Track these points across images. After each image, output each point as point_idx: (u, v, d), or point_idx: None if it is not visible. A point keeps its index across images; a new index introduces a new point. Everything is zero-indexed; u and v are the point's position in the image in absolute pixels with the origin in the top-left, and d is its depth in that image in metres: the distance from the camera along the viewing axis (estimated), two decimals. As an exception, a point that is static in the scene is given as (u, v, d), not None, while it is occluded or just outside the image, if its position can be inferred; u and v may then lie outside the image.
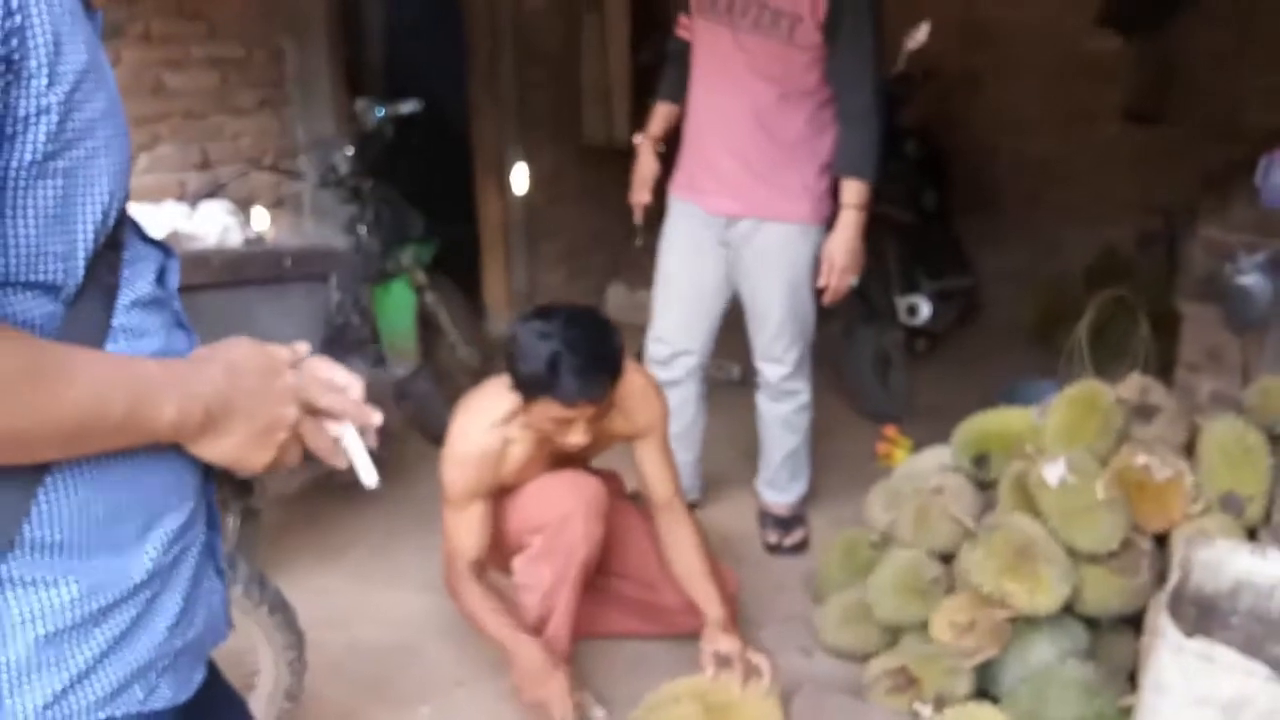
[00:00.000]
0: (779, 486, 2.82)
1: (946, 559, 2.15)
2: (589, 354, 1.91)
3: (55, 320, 0.74)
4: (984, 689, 1.99)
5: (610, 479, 2.43)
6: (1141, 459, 2.03)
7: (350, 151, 2.96)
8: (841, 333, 3.46)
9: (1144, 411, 2.18)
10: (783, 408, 2.74)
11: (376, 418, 0.95)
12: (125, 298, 0.80)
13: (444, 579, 2.16)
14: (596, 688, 2.21)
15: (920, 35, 3.68)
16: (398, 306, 3.13)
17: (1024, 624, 1.98)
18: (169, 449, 0.83)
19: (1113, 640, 2.01)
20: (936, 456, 2.40)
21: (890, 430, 3.30)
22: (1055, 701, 1.87)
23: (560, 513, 2.09)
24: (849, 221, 2.47)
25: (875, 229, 3.48)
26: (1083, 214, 4.32)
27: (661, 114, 2.76)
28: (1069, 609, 2.00)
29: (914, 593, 2.09)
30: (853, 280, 2.54)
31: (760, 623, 2.41)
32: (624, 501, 2.42)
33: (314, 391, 0.91)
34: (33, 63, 0.68)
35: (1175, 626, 1.49)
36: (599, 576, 2.27)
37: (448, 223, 3.46)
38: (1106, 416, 2.11)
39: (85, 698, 0.79)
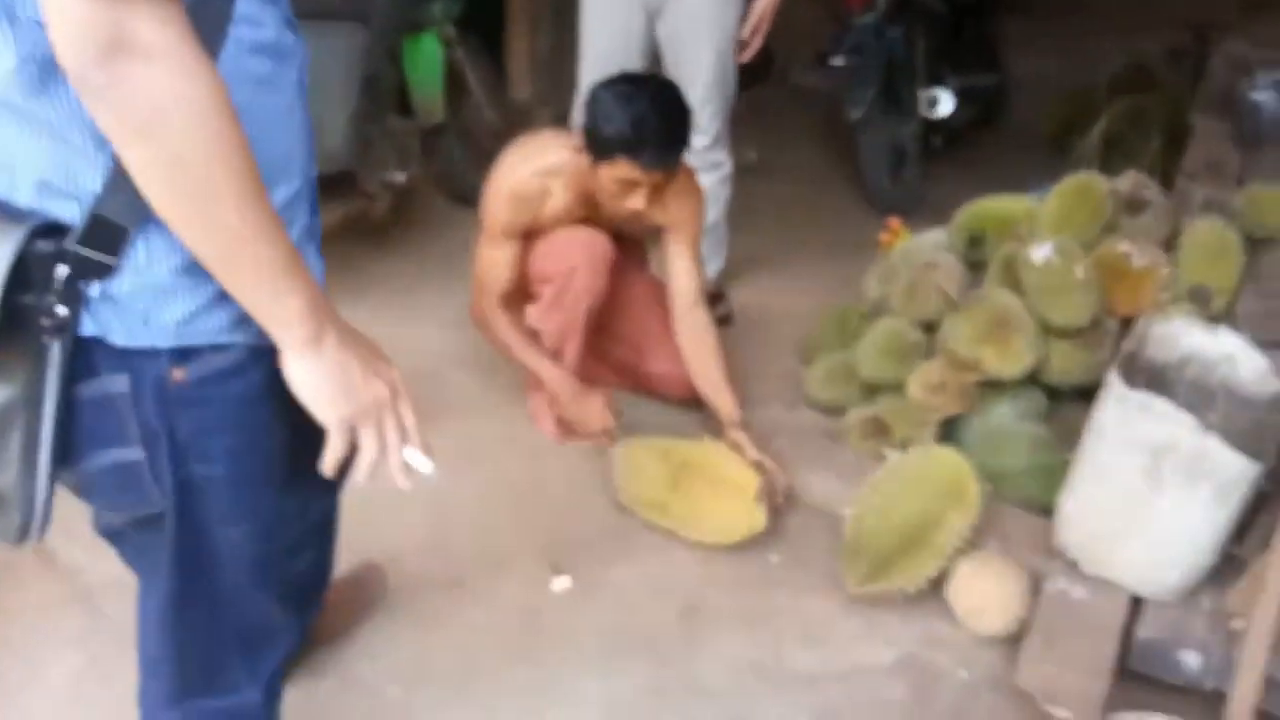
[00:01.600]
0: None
1: (931, 329, 2.32)
2: (671, 123, 2.03)
3: None
4: (947, 441, 2.21)
5: (633, 246, 2.57)
6: (1123, 247, 2.17)
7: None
8: (860, 121, 3.50)
9: (1134, 205, 2.30)
10: (705, 179, 2.70)
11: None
12: None
13: (472, 310, 2.34)
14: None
15: None
16: (427, 59, 3.17)
17: (990, 389, 2.18)
18: (286, 127, 0.97)
19: (1069, 409, 2.21)
20: (934, 237, 2.54)
21: (894, 222, 3.40)
22: (1007, 453, 2.09)
23: (568, 265, 2.25)
24: None
25: (907, 16, 3.50)
26: (1117, 24, 4.28)
27: None
28: (1033, 379, 2.19)
29: (896, 355, 2.28)
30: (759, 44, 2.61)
31: (750, 379, 2.61)
32: (635, 268, 2.57)
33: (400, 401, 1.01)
34: None
35: (1121, 379, 1.67)
36: (594, 335, 2.42)
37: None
38: (1097, 206, 2.23)
39: (212, 321, 0.97)
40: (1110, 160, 3.37)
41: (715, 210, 2.79)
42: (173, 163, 0.82)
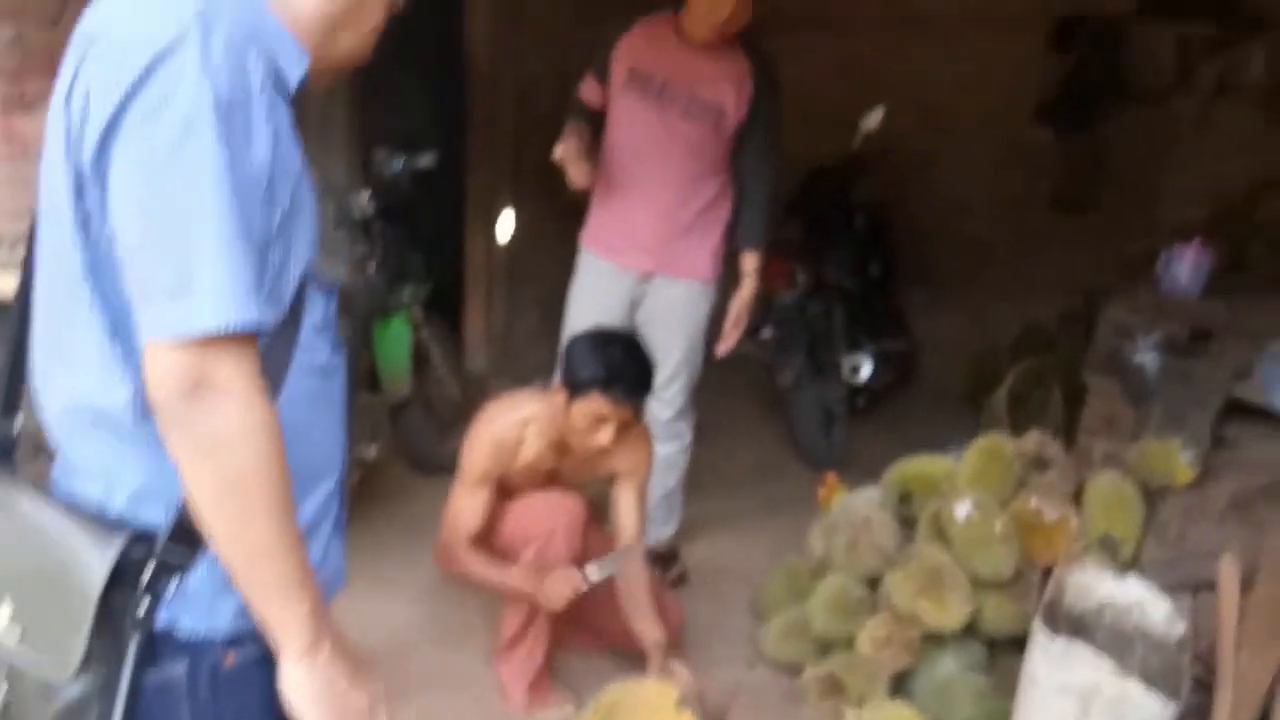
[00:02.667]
0: (657, 523, 3.03)
1: (873, 583, 2.51)
2: (640, 366, 2.32)
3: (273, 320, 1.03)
4: (899, 695, 2.35)
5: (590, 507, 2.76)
6: (1034, 503, 2.42)
7: (367, 197, 3.29)
8: (790, 387, 3.83)
9: (1040, 463, 2.59)
10: (668, 448, 2.97)
11: None
12: (307, 321, 1.11)
13: (437, 552, 2.48)
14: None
15: (874, 120, 4.12)
16: (396, 340, 3.45)
17: (933, 641, 2.35)
18: (331, 434, 1.16)
19: (1006, 658, 2.38)
20: (868, 495, 2.78)
21: (830, 478, 3.65)
22: (955, 704, 2.24)
23: (547, 528, 2.43)
24: (750, 286, 2.89)
25: (824, 293, 3.92)
26: (1013, 291, 4.75)
27: (577, 131, 2.82)
28: (971, 630, 2.37)
29: (844, 611, 2.45)
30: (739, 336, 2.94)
31: (709, 639, 2.75)
32: (595, 527, 2.76)
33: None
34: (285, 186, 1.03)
35: (1045, 629, 1.87)
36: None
37: (439, 264, 3.79)
38: (1007, 465, 2.51)
39: None
40: (1018, 417, 3.70)
41: (674, 477, 3.02)
42: (225, 483, 0.98)
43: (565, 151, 2.72)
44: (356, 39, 1.16)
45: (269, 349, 1.03)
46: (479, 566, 2.43)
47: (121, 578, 1.03)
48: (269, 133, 0.99)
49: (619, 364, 2.30)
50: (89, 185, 1.00)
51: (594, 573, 2.40)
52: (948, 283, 4.88)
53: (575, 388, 2.31)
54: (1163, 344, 3.35)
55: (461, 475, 2.47)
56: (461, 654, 2.64)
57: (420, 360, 3.58)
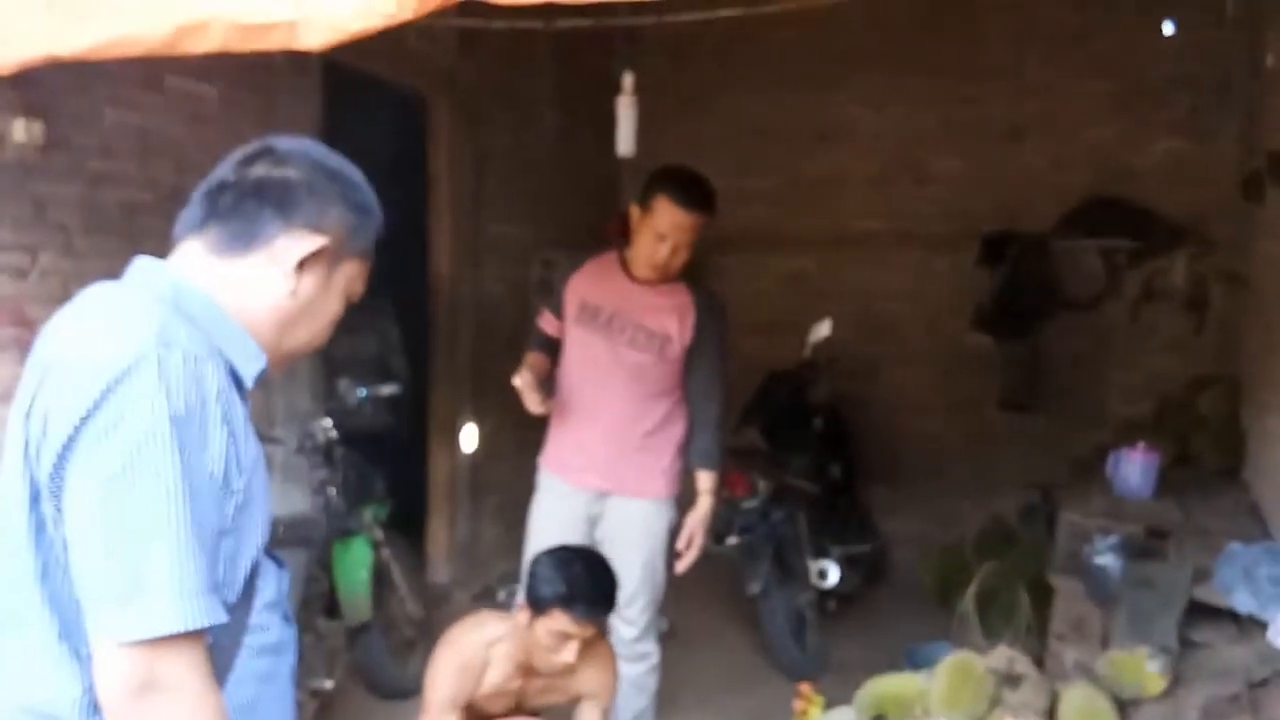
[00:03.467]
0: None
1: (851, 811, 2.43)
2: (601, 582, 2.34)
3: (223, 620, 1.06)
4: None
5: None
6: (1009, 721, 2.39)
7: (329, 424, 3.34)
8: (759, 595, 3.80)
9: (1011, 679, 2.57)
10: (635, 669, 2.94)
11: None
12: (259, 601, 1.15)
13: None
14: None
15: (823, 330, 4.30)
16: (355, 562, 3.40)
17: None
18: (283, 709, 1.15)
19: None
20: (842, 717, 2.72)
21: (805, 688, 3.57)
22: None
23: None
24: (706, 504, 2.93)
25: (787, 499, 3.96)
26: (972, 487, 4.85)
27: (534, 362, 2.93)
28: None
29: (824, 843, 2.35)
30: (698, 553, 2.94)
31: None
32: None
33: None
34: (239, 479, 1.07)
35: None
36: None
37: (401, 479, 3.80)
38: (979, 684, 2.48)
39: None
40: (986, 617, 3.69)
41: (644, 699, 2.96)
42: None
43: (522, 381, 2.82)
44: (314, 331, 1.23)
45: (219, 636, 1.06)
46: None
47: None
48: (224, 434, 1.05)
49: (580, 581, 2.32)
50: (44, 496, 1.04)
51: None
52: (907, 480, 4.97)
53: (538, 605, 2.32)
54: (1120, 546, 3.40)
55: (427, 704, 2.41)
56: None
57: (381, 579, 3.52)
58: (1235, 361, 4.37)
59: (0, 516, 1.10)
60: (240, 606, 1.11)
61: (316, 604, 3.23)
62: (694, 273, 2.99)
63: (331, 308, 1.23)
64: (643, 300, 2.88)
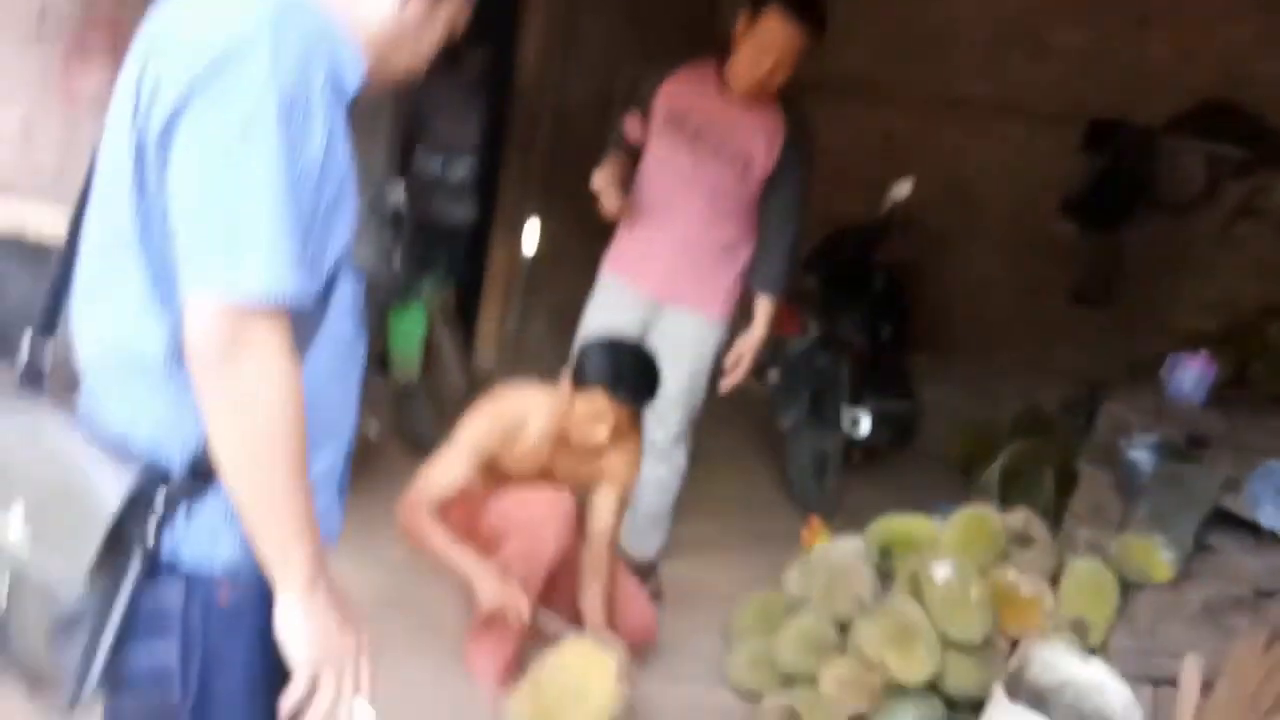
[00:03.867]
0: (641, 539, 3.11)
1: (843, 628, 2.54)
2: (645, 374, 2.42)
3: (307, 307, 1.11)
4: (853, 738, 2.38)
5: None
6: (1012, 576, 2.46)
7: (401, 190, 3.38)
8: (790, 430, 3.88)
9: (1023, 540, 2.63)
10: (661, 471, 3.05)
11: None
12: (336, 303, 1.18)
13: (402, 519, 2.48)
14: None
15: (904, 189, 4.21)
16: (410, 328, 3.52)
17: (895, 691, 2.38)
18: (347, 404, 1.22)
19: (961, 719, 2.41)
20: (851, 544, 2.81)
21: (815, 521, 3.70)
22: (907, 756, 2.27)
23: (539, 520, 2.48)
24: (760, 329, 2.96)
25: (834, 346, 3.98)
26: (1019, 373, 4.82)
27: (614, 164, 2.92)
28: (933, 686, 2.40)
29: (812, 648, 2.49)
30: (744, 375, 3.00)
31: (675, 655, 2.78)
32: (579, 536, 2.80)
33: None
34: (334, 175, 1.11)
35: (1004, 693, 1.90)
36: (550, 593, 2.59)
37: (461, 264, 3.87)
38: (992, 537, 2.55)
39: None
40: (1008, 493, 3.75)
41: (665, 500, 3.07)
42: (247, 435, 1.05)
43: (602, 179, 2.83)
44: (414, 56, 1.24)
45: (300, 320, 1.10)
46: (437, 536, 2.43)
47: (134, 505, 1.09)
48: (324, 132, 1.07)
49: (626, 366, 2.41)
50: (150, 154, 1.07)
51: (549, 624, 2.45)
52: (956, 355, 4.94)
53: (581, 381, 2.40)
54: (1159, 445, 3.40)
55: (453, 440, 2.51)
56: (433, 630, 2.69)
57: (430, 351, 3.65)
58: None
59: (107, 174, 1.15)
60: (320, 300, 1.15)
61: (368, 359, 3.34)
62: (789, 100, 2.92)
63: (433, 36, 1.24)
64: (734, 116, 2.83)
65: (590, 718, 2.25)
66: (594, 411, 2.40)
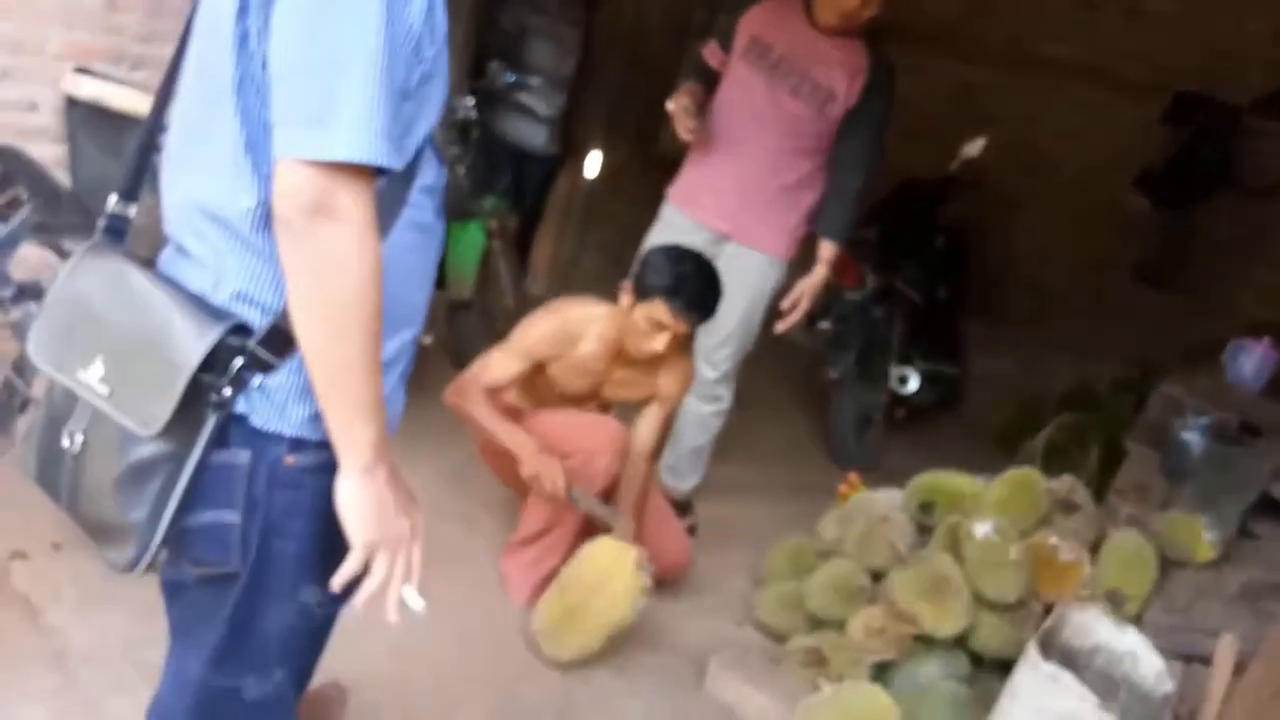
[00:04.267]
0: (679, 475, 3.14)
1: (877, 577, 2.55)
2: (706, 284, 2.41)
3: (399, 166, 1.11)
4: (877, 684, 2.39)
5: None
6: (1053, 540, 2.45)
7: (471, 101, 3.36)
8: (836, 382, 3.86)
9: (1067, 506, 2.61)
10: (706, 408, 3.07)
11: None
12: (419, 181, 1.18)
13: (452, 389, 2.54)
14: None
15: (976, 147, 4.14)
16: (469, 244, 3.53)
17: (923, 643, 2.39)
18: (421, 288, 1.23)
19: (989, 678, 2.41)
20: (889, 496, 2.81)
21: (853, 476, 3.69)
22: (930, 706, 2.28)
23: (592, 445, 2.50)
24: (821, 273, 2.91)
25: (889, 301, 3.94)
26: (1073, 347, 4.74)
27: (692, 90, 2.89)
28: (961, 642, 2.41)
29: (843, 595, 2.49)
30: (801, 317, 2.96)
31: (705, 591, 2.81)
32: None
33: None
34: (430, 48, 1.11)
35: (1038, 650, 1.90)
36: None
37: (529, 189, 3.86)
38: (1035, 499, 2.53)
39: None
40: (1050, 466, 3.69)
41: (705, 436, 3.08)
42: (327, 299, 1.06)
43: (678, 104, 2.78)
44: None
45: (383, 197, 1.11)
46: (482, 409, 2.48)
47: (214, 361, 1.11)
48: (425, 2, 1.08)
49: (688, 278, 2.39)
50: (253, 11, 1.07)
51: (581, 500, 2.47)
52: (1011, 323, 4.87)
53: (642, 291, 2.40)
54: (1212, 429, 3.34)
55: (509, 341, 2.54)
56: (470, 539, 2.74)
57: (486, 269, 3.65)
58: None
59: (207, 32, 1.15)
60: (402, 179, 1.15)
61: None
62: (874, 40, 2.86)
63: None
64: (818, 49, 2.78)
65: (612, 607, 2.29)
66: (652, 322, 2.40)
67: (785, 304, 2.94)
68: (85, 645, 1.95)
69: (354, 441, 1.12)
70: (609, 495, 2.56)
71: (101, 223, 1.30)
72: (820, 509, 3.02)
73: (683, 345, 2.54)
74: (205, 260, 1.16)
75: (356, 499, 1.14)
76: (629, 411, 2.69)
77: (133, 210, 1.32)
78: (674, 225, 3.01)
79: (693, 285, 2.39)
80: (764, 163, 2.87)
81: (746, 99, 2.85)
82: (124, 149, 1.35)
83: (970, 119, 4.56)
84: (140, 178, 1.32)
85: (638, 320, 2.42)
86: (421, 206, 1.21)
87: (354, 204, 1.05)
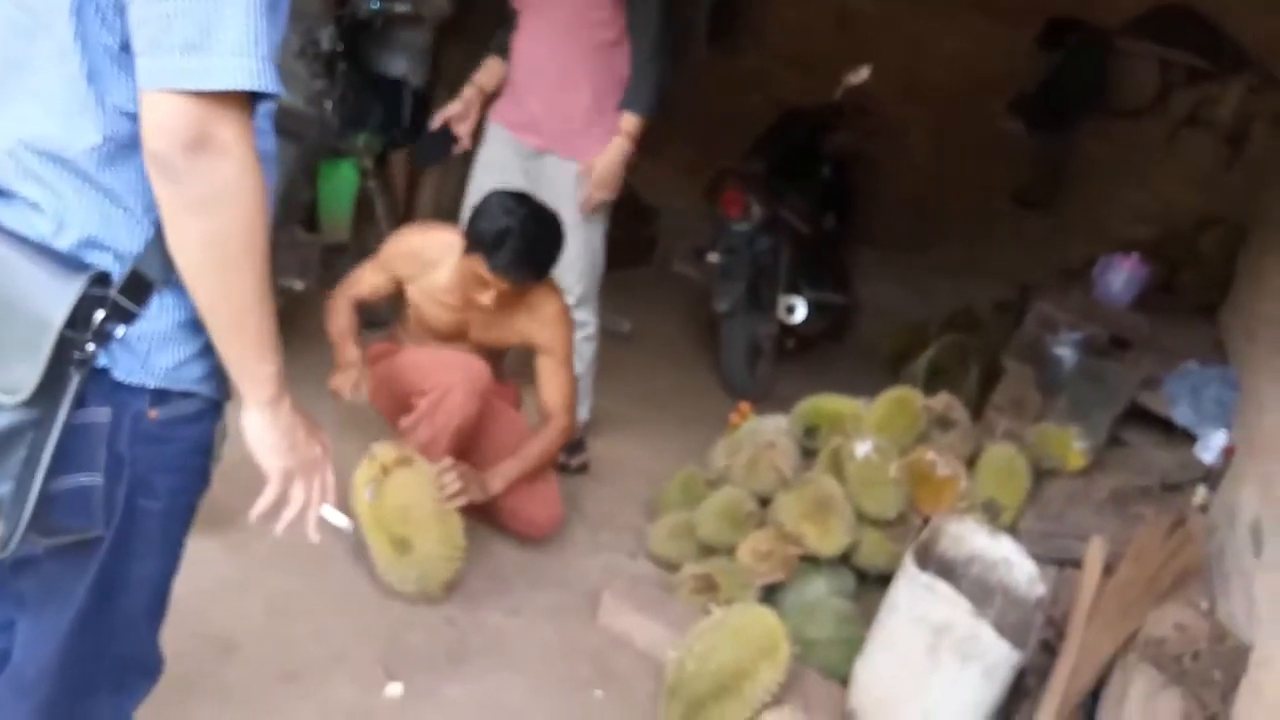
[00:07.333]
0: None
1: (764, 503, 2.58)
2: (530, 245, 2.30)
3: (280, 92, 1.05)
4: (766, 605, 2.42)
5: (506, 387, 2.78)
6: (930, 456, 2.51)
7: (335, 33, 3.20)
8: (725, 314, 3.87)
9: (944, 423, 2.67)
10: (575, 335, 2.97)
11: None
12: (262, 106, 1.10)
13: (329, 302, 2.64)
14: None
15: (860, 75, 4.13)
16: (342, 183, 3.39)
17: (809, 563, 2.43)
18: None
19: (873, 592, 2.47)
20: (775, 422, 2.84)
21: (744, 406, 3.72)
22: (816, 622, 2.32)
23: (445, 382, 2.44)
24: (617, 145, 2.84)
25: (776, 231, 3.95)
26: (956, 271, 4.85)
27: (492, 68, 2.98)
28: (846, 560, 2.46)
29: (732, 521, 2.52)
30: (607, 197, 2.90)
31: (598, 526, 2.81)
32: (506, 406, 2.76)
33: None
34: None
35: (913, 561, 1.95)
36: (458, 461, 2.59)
37: (398, 124, 3.70)
38: (913, 417, 2.59)
39: (193, 371, 1.12)
40: (933, 385, 3.78)
41: (580, 364, 3.02)
42: (219, 239, 1.01)
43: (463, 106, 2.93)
44: None
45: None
46: (338, 321, 2.57)
47: (74, 314, 1.03)
48: None
49: (509, 234, 2.28)
50: None
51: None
52: (897, 250, 4.95)
53: (467, 241, 2.35)
54: (1083, 343, 3.47)
55: (373, 258, 2.60)
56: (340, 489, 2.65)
57: (362, 210, 3.52)
58: (1254, 207, 4.29)
59: None
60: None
61: (297, 213, 3.23)
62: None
63: None
64: None
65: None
66: (475, 275, 2.33)
67: (578, 173, 2.85)
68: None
69: (258, 376, 1.10)
70: (465, 433, 2.50)
71: None
72: (713, 441, 3.04)
73: (540, 291, 2.47)
74: (41, 203, 1.06)
75: (267, 431, 1.14)
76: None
77: None
78: (497, 141, 2.97)
79: (513, 243, 2.27)
80: (565, 69, 2.81)
81: (538, 13, 2.81)
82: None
83: (851, 46, 4.57)
84: None
85: (464, 272, 2.36)
86: (265, 133, 1.14)
87: (237, 135, 0.99)
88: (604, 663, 2.29)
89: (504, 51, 2.97)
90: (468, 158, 3.14)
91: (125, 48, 1.01)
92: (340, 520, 1.24)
